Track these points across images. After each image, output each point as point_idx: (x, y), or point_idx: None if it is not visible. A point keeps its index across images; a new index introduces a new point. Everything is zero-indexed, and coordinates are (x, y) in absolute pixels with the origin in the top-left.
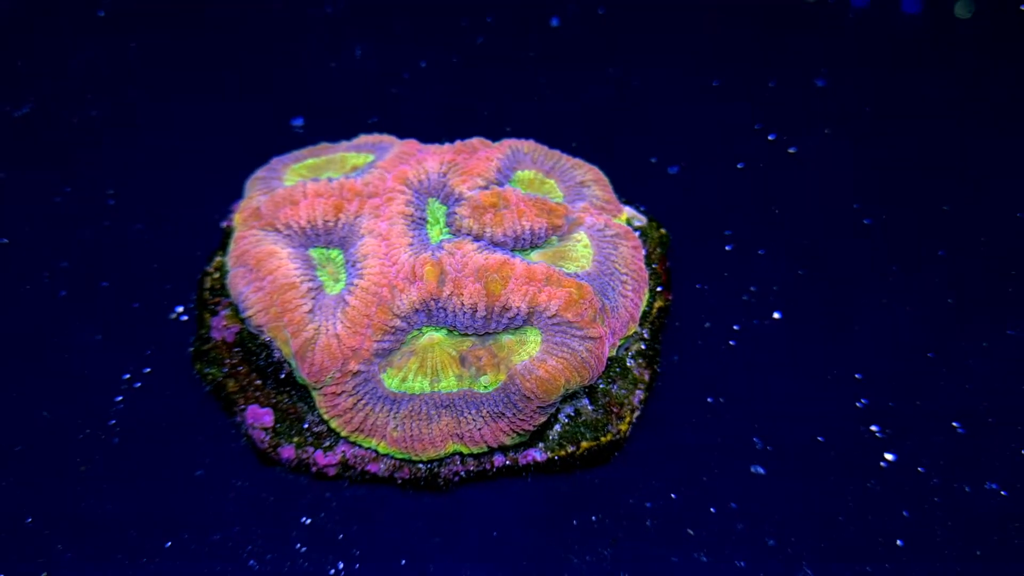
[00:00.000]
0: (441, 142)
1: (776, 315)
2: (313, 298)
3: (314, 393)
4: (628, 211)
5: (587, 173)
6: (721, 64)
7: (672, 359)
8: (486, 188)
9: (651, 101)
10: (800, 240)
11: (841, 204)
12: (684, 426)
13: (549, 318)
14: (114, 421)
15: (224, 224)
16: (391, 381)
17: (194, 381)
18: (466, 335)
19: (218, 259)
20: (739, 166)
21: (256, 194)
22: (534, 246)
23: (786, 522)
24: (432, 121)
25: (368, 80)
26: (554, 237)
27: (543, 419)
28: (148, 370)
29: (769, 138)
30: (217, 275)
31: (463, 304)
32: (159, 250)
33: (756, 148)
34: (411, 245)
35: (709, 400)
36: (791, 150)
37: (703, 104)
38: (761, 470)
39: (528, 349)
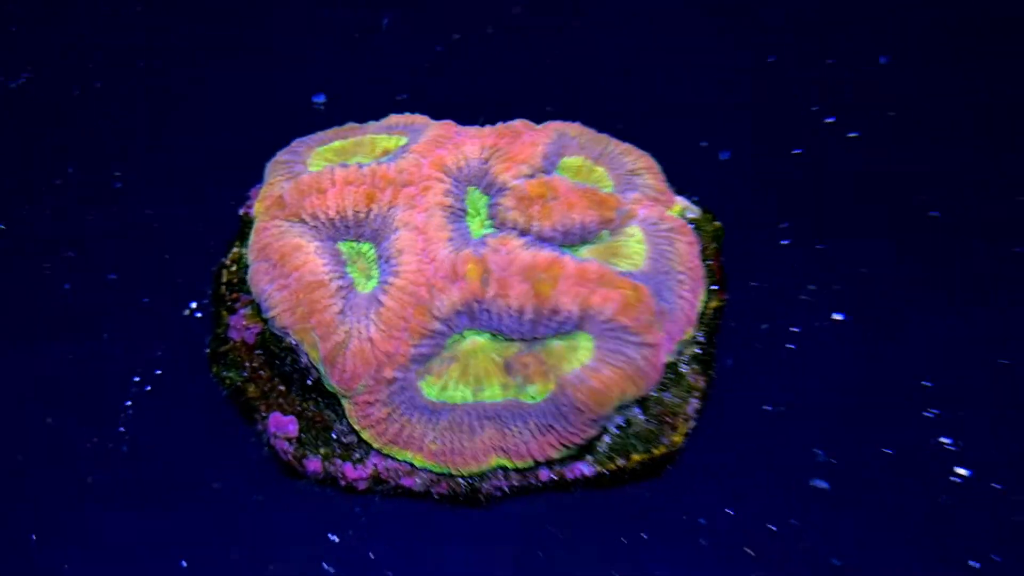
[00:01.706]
0: (478, 123)
1: (837, 316)
2: (343, 297)
3: (344, 402)
4: (681, 201)
5: (638, 160)
6: (775, 39)
7: (726, 363)
8: (532, 177)
9: (700, 79)
10: (862, 234)
11: (907, 195)
12: (741, 437)
13: (603, 322)
14: (123, 428)
15: (242, 211)
16: (430, 390)
17: (210, 385)
18: (512, 340)
19: (236, 250)
20: (795, 152)
21: (278, 180)
22: (584, 241)
23: (851, 541)
24: (466, 99)
25: (396, 53)
26: (605, 231)
27: (595, 432)
28: (160, 372)
29: (828, 121)
30: (235, 268)
31: (509, 306)
32: (171, 239)
33: (814, 132)
34: (451, 240)
35: (767, 408)
36: (852, 134)
37: (756, 83)
38: (824, 484)
39: (580, 356)
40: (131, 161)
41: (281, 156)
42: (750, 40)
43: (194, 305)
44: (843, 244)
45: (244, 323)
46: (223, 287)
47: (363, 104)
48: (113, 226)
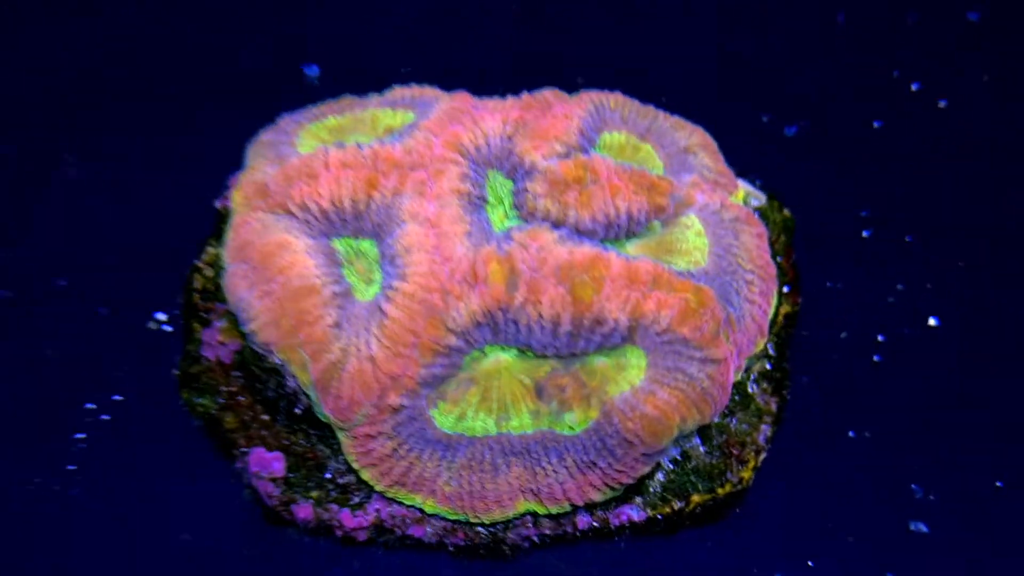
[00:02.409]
0: (500, 95)
1: (932, 321)
2: (339, 307)
3: (340, 434)
4: (744, 186)
5: (692, 136)
6: None
7: (802, 381)
8: (566, 156)
9: (760, 43)
10: (959, 222)
11: (1008, 172)
12: (821, 471)
13: (658, 335)
14: (74, 467)
15: (219, 204)
16: (444, 419)
17: (180, 414)
18: (545, 357)
19: (212, 250)
20: (876, 125)
21: (261, 164)
22: (631, 234)
23: None
24: (484, 69)
25: (400, 17)
26: (656, 222)
27: (647, 470)
28: (119, 398)
29: (912, 88)
30: (211, 272)
31: (541, 315)
32: (134, 237)
33: (896, 102)
34: (469, 235)
35: (851, 435)
36: (941, 104)
37: (826, 47)
38: (924, 528)
39: (629, 377)
40: (87, 143)
41: (265, 136)
42: None
43: (162, 317)
44: (937, 235)
45: (220, 339)
46: (196, 295)
47: (363, 76)
48: (63, 221)
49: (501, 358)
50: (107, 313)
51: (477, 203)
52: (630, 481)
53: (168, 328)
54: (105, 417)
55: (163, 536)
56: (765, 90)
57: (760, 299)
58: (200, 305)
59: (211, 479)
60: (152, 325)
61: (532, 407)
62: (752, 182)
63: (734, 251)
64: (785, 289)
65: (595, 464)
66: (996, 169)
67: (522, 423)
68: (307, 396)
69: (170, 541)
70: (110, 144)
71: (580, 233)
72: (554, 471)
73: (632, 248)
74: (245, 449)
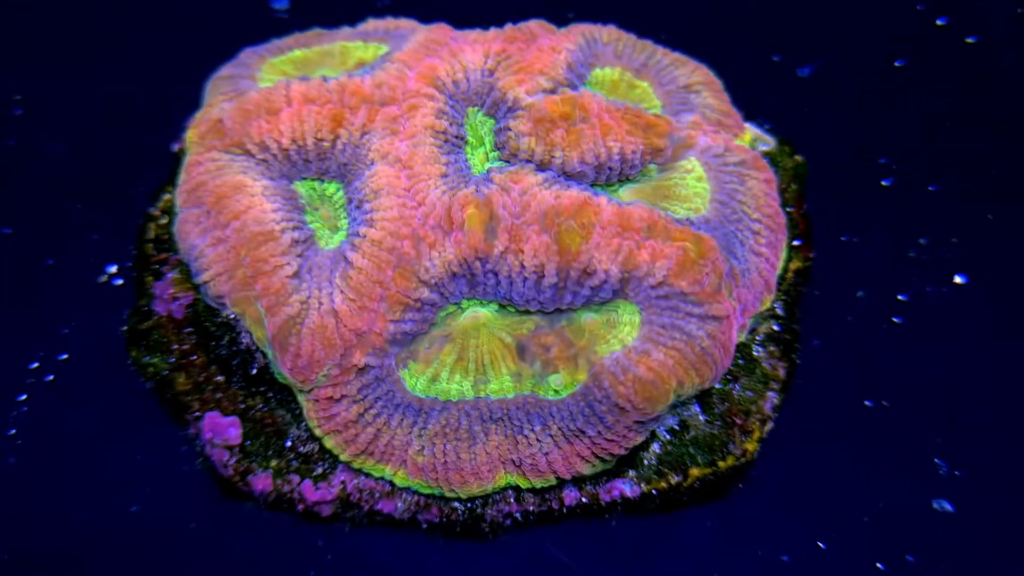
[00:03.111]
0: (483, 27)
1: (958, 279)
2: (299, 255)
3: (301, 397)
4: (751, 129)
5: (694, 73)
6: None
7: (813, 344)
8: (553, 92)
9: None
10: (988, 170)
11: None
12: (834, 443)
13: (653, 288)
14: (14, 430)
15: (177, 147)
16: (415, 381)
17: (129, 375)
18: (527, 312)
19: (168, 197)
20: (898, 64)
21: (219, 100)
22: (624, 178)
23: None
24: (467, 2)
25: None
26: (653, 165)
27: (641, 439)
28: (65, 356)
29: (938, 23)
30: (165, 220)
31: (523, 266)
32: (85, 183)
33: (921, 38)
34: (445, 177)
35: (868, 404)
36: (969, 39)
37: None
38: (948, 506)
39: (621, 335)
40: (35, 83)
41: (225, 70)
42: None
43: (113, 269)
44: (964, 184)
45: (171, 292)
46: (150, 245)
47: (336, 9)
48: (8, 165)
49: (479, 313)
50: (54, 264)
51: (455, 143)
52: (622, 452)
53: (119, 282)
54: (49, 378)
55: (109, 509)
56: (777, 26)
57: (768, 251)
58: (153, 256)
59: (162, 447)
60: (103, 279)
61: (513, 368)
62: (760, 125)
63: (739, 198)
64: (796, 242)
65: (583, 432)
66: None
67: (502, 386)
68: (264, 354)
69: (117, 514)
70: (59, 81)
71: (568, 176)
72: (537, 440)
73: (626, 193)
74: (198, 413)
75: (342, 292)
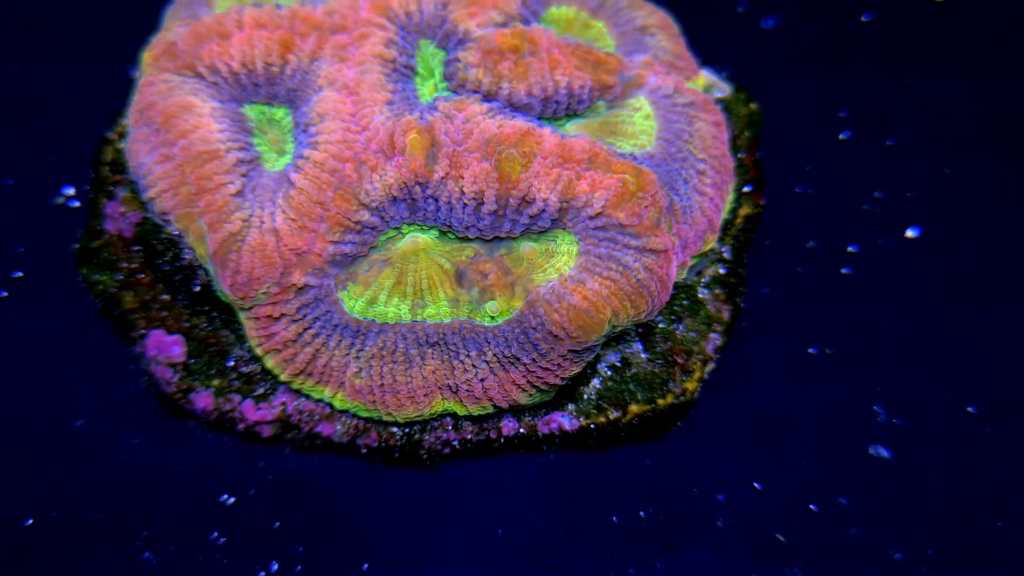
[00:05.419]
0: None
1: (911, 232)
2: (244, 175)
3: (241, 315)
4: (706, 75)
5: (651, 16)
6: None
7: (760, 291)
8: (504, 26)
9: None
10: (947, 123)
11: (1008, 70)
12: (775, 387)
13: (591, 218)
14: None
15: (136, 73)
16: (354, 303)
17: (78, 292)
18: (467, 240)
19: (125, 121)
20: (864, 18)
21: (176, 25)
22: (572, 113)
23: (920, 528)
24: None
25: None
26: (601, 102)
27: (576, 369)
28: (19, 275)
29: None
30: (122, 144)
31: (463, 192)
32: (43, 106)
33: None
34: (391, 104)
35: (811, 351)
36: None
37: None
38: (885, 452)
39: (558, 264)
40: None
41: None
42: None
43: (70, 192)
44: (923, 140)
45: (122, 210)
46: (106, 168)
47: None
48: None
49: (419, 239)
50: (12, 185)
51: (403, 72)
52: (558, 381)
53: (75, 204)
54: (2, 295)
55: (56, 424)
56: None
57: (712, 191)
58: (108, 178)
59: (107, 363)
60: (60, 200)
61: (451, 294)
62: (718, 72)
63: (685, 137)
64: (746, 188)
65: (518, 359)
66: (995, 72)
67: (439, 311)
68: (205, 271)
69: (64, 428)
70: (22, 8)
71: (514, 108)
72: (473, 366)
73: (572, 128)
74: (143, 331)
75: (283, 212)
